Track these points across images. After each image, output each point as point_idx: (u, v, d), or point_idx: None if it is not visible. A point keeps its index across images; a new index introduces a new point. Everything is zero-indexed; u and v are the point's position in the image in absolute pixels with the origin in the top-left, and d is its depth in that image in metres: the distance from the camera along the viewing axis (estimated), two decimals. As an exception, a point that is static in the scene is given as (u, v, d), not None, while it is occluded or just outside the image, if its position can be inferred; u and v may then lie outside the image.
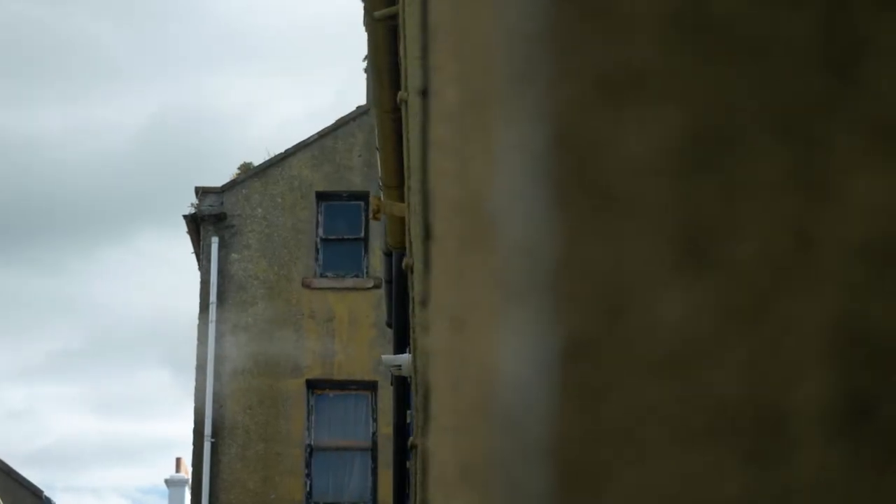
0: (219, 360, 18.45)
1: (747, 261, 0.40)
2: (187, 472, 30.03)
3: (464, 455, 0.95)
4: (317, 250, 19.23)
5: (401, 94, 5.27)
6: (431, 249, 1.87)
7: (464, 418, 0.98)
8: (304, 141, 19.59)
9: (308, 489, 18.29)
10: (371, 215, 6.36)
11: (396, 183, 7.89)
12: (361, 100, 20.40)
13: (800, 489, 0.39)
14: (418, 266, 3.73)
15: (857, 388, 0.41)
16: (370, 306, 18.90)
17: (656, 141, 0.43)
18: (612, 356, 0.42)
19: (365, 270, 19.29)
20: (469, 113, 0.95)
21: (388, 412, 18.51)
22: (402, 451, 10.39)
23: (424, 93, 2.06)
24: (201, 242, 19.19)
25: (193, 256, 19.83)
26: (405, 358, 8.54)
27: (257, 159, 19.83)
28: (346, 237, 19.41)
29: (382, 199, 6.79)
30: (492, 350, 0.41)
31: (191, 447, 18.67)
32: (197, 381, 18.56)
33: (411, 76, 3.27)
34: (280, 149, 19.75)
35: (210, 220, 19.07)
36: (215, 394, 18.35)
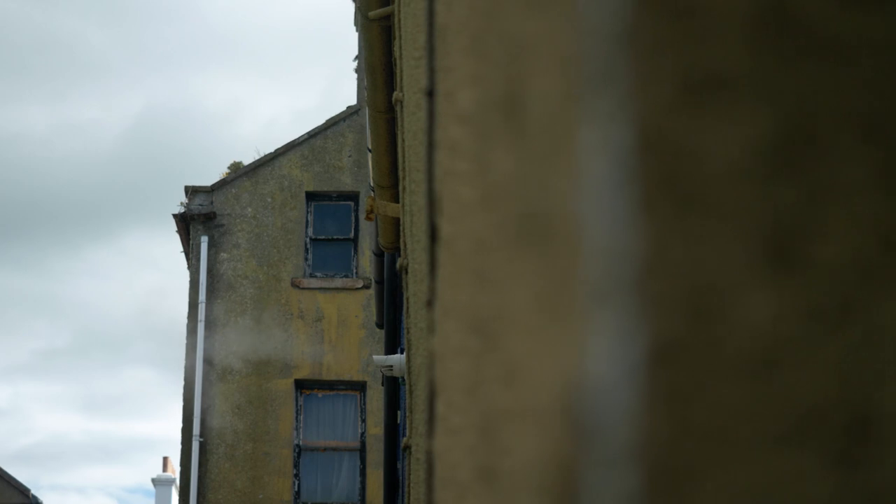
0: (207, 359, 18.42)
1: (833, 262, 0.40)
2: (174, 471, 30.03)
3: (485, 457, 0.94)
4: (306, 250, 19.21)
5: (396, 94, 5.25)
6: (438, 250, 1.86)
7: (486, 420, 0.97)
8: (293, 141, 19.58)
9: (296, 489, 18.27)
10: (365, 215, 6.35)
11: (389, 183, 7.88)
12: (347, 100, 20.46)
13: (889, 492, 0.38)
14: (415, 267, 3.72)
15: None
16: (359, 307, 18.88)
17: (741, 143, 0.42)
18: (699, 358, 0.41)
19: (354, 271, 19.28)
20: (494, 114, 0.95)
21: (376, 413, 18.51)
22: (393, 451, 10.38)
23: (431, 93, 2.06)
24: (191, 241, 19.16)
25: (179, 255, 19.82)
26: (397, 358, 8.52)
27: (247, 158, 19.83)
28: (335, 237, 19.39)
29: (376, 199, 6.78)
30: (570, 353, 0.41)
31: (177, 446, 18.65)
32: (185, 380, 18.53)
33: (411, 77, 3.26)
34: (269, 148, 19.77)
35: (200, 219, 19.04)
36: (204, 393, 18.32)
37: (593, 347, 0.40)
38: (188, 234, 19.25)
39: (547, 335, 0.45)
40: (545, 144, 0.45)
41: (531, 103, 0.53)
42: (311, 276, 19.05)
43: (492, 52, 0.92)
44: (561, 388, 0.41)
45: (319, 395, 18.70)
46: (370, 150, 10.14)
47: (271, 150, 19.60)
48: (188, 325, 18.76)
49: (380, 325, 14.34)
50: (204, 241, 18.88)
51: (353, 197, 19.48)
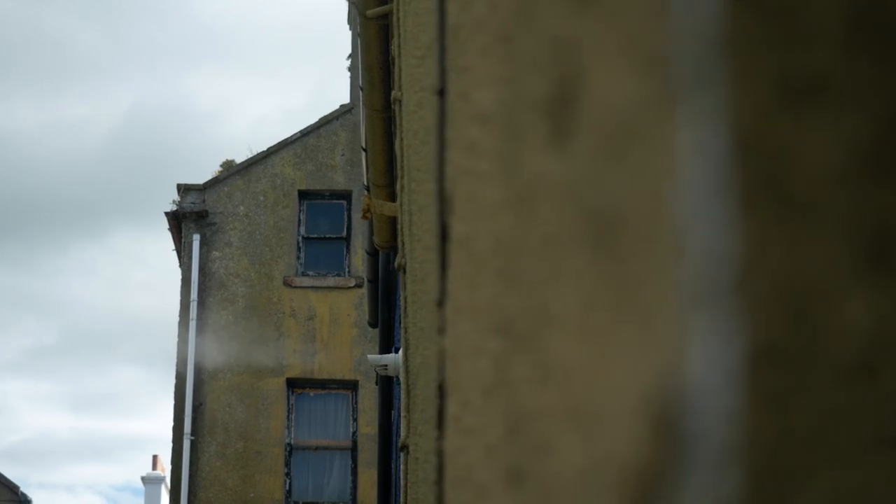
0: (199, 357, 18.41)
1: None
2: (164, 469, 30.00)
3: (514, 458, 0.93)
4: (298, 249, 19.20)
5: (394, 93, 5.24)
6: (450, 250, 1.85)
7: (515, 421, 0.96)
8: (286, 139, 19.57)
9: (287, 488, 18.25)
10: (361, 214, 6.34)
11: (385, 182, 7.87)
12: (336, 99, 20.45)
13: None
14: (414, 266, 3.72)
15: None
16: (352, 305, 18.88)
17: (841, 144, 0.42)
18: (799, 361, 0.41)
19: (347, 270, 19.27)
20: (528, 114, 0.94)
21: (368, 412, 18.50)
22: (387, 451, 10.36)
23: (442, 93, 2.05)
24: (183, 240, 19.14)
25: (168, 253, 19.82)
26: (391, 358, 8.51)
27: (239, 157, 19.81)
28: (328, 236, 19.38)
29: (372, 198, 6.77)
30: (650, 355, 0.40)
31: (165, 445, 18.67)
32: (177, 378, 18.51)
33: (411, 76, 3.26)
34: (262, 146, 19.74)
35: (192, 217, 19.02)
36: (195, 391, 18.30)
37: (688, 350, 0.40)
38: (180, 232, 19.23)
39: (614, 336, 0.45)
40: (615, 145, 0.44)
41: (589, 104, 0.53)
42: (304, 274, 19.04)
43: (525, 53, 0.91)
44: (640, 389, 0.41)
45: (311, 394, 18.69)
46: (364, 149, 10.13)
47: (264, 148, 19.59)
48: (180, 323, 18.73)
49: (372, 325, 14.34)
50: (196, 239, 18.86)
51: (346, 196, 19.48)
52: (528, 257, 0.90)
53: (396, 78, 6.03)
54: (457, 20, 1.78)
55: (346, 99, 20.34)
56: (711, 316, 0.41)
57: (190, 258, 18.84)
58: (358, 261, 18.93)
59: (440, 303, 1.94)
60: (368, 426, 18.38)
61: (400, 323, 8.09)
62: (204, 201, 19.18)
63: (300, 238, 19.24)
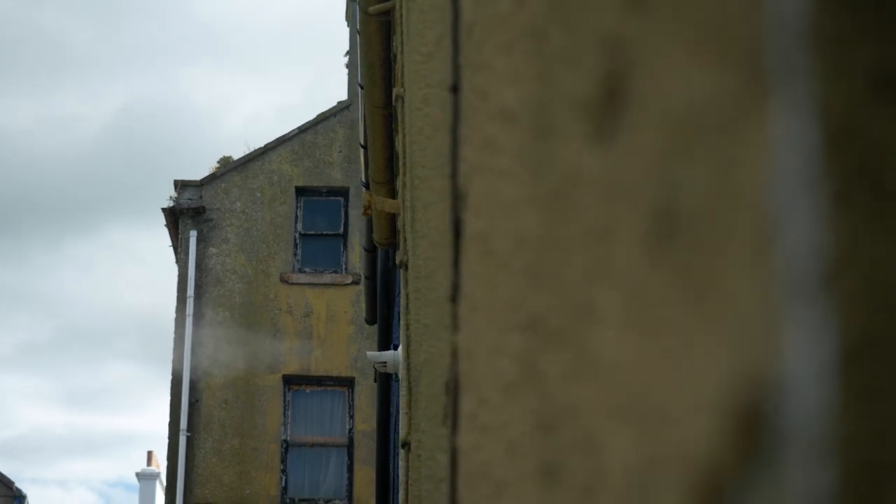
0: (195, 354, 18.39)
1: None
2: (159, 465, 29.96)
3: (548, 454, 0.93)
4: (295, 245, 19.18)
5: (397, 89, 5.23)
6: (463, 246, 1.85)
7: (547, 417, 0.96)
8: (284, 136, 19.55)
9: (283, 485, 18.25)
10: (362, 211, 6.33)
11: (385, 179, 7.87)
12: (331, 97, 20.42)
13: None
14: (417, 263, 3.71)
15: None
16: (348, 302, 18.87)
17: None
18: (895, 354, 0.41)
19: (344, 266, 19.26)
20: (560, 111, 0.93)
21: (364, 409, 18.49)
22: (385, 448, 10.36)
23: (455, 89, 2.05)
24: (179, 236, 19.12)
25: (163, 250, 19.83)
26: (391, 354, 8.50)
27: (236, 153, 19.79)
28: (325, 233, 19.36)
29: (372, 194, 6.77)
30: (740, 349, 0.40)
31: (158, 441, 18.67)
32: (173, 374, 18.49)
33: (416, 72, 3.25)
34: (257, 143, 19.73)
35: (189, 213, 19.00)
36: (192, 388, 18.29)
37: (779, 344, 0.40)
38: (177, 228, 19.21)
39: (679, 332, 0.45)
40: (682, 140, 0.44)
41: (644, 100, 0.53)
42: (300, 271, 19.03)
43: (560, 49, 0.91)
44: (714, 385, 0.40)
45: (307, 390, 18.68)
46: (363, 146, 10.12)
47: (261, 145, 19.58)
48: (176, 320, 18.72)
49: (369, 322, 14.33)
50: (193, 235, 18.85)
51: (343, 192, 19.46)
52: (561, 254, 0.89)
53: (399, 75, 6.01)
54: (472, 18, 1.78)
55: (340, 96, 20.33)
56: (804, 310, 0.41)
57: (187, 254, 18.82)
58: (355, 258, 18.92)
59: (453, 299, 1.93)
60: (365, 423, 18.38)
61: (399, 320, 8.07)
62: (201, 197, 19.17)
63: (297, 235, 19.23)
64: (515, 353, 1.23)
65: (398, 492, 7.60)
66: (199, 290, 18.74)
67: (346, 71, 20.32)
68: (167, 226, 19.48)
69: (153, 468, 30.29)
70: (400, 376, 6.71)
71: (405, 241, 5.03)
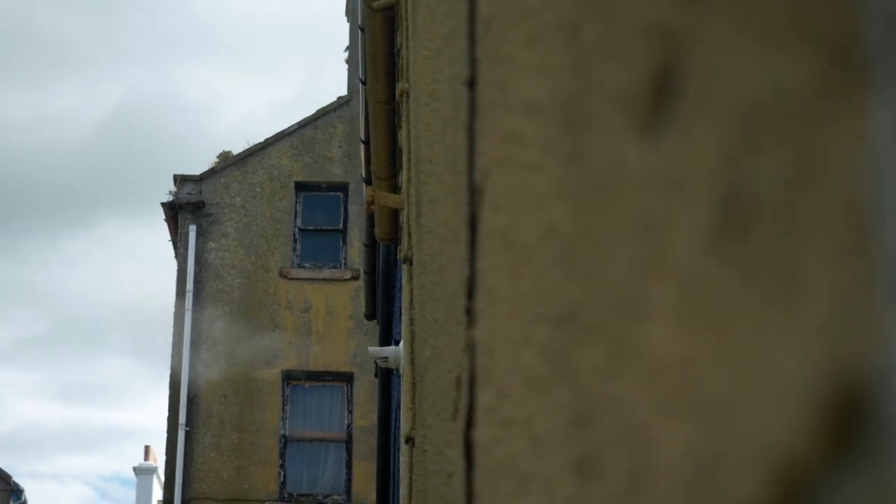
0: (194, 348, 18.39)
1: None
2: (156, 460, 29.99)
3: (584, 448, 0.93)
4: (295, 240, 19.18)
5: (402, 84, 5.24)
6: (480, 241, 1.84)
7: (584, 411, 0.96)
8: (283, 130, 19.55)
9: (282, 480, 18.25)
10: (365, 206, 6.33)
11: (387, 174, 7.87)
12: (327, 92, 20.39)
13: None
14: (423, 258, 3.70)
15: None
16: (347, 298, 18.87)
17: None
18: None
19: (343, 262, 19.26)
20: (590, 102, 0.93)
21: (363, 404, 18.49)
22: (386, 443, 10.36)
23: (472, 83, 2.04)
24: (179, 230, 19.12)
25: (157, 244, 19.89)
26: (392, 350, 8.51)
27: (236, 148, 19.79)
28: (324, 228, 19.36)
29: (376, 189, 6.77)
30: (835, 343, 0.40)
31: (154, 436, 18.69)
32: (172, 369, 18.49)
33: (423, 67, 3.24)
34: (254, 138, 19.74)
35: (188, 207, 19.00)
36: (190, 382, 18.29)
37: (883, 338, 0.39)
38: (176, 222, 19.21)
39: (748, 325, 0.44)
40: (754, 131, 0.44)
41: (707, 91, 0.52)
42: (300, 266, 19.03)
43: (597, 41, 0.91)
44: (800, 378, 0.40)
45: (306, 385, 18.68)
46: (363, 142, 10.12)
47: (260, 139, 19.58)
48: (175, 314, 18.72)
49: (368, 317, 14.33)
50: (192, 229, 18.85)
51: (343, 188, 19.47)
52: (599, 246, 0.89)
53: (403, 70, 6.01)
54: (490, 12, 1.77)
55: (336, 92, 20.37)
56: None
57: (186, 249, 18.82)
58: (354, 253, 18.92)
59: (469, 294, 1.93)
60: (363, 419, 18.38)
61: (401, 315, 8.07)
62: (200, 192, 19.16)
63: (296, 230, 19.23)
64: (543, 346, 1.22)
65: (399, 487, 7.61)
66: (199, 285, 18.74)
67: (342, 66, 20.34)
68: (166, 220, 19.47)
69: (150, 463, 30.32)
70: (402, 372, 6.72)
71: (409, 236, 5.03)
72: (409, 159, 4.91)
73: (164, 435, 18.43)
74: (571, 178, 1.03)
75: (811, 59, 0.41)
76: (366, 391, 18.40)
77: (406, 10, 5.29)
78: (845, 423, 0.40)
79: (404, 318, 5.90)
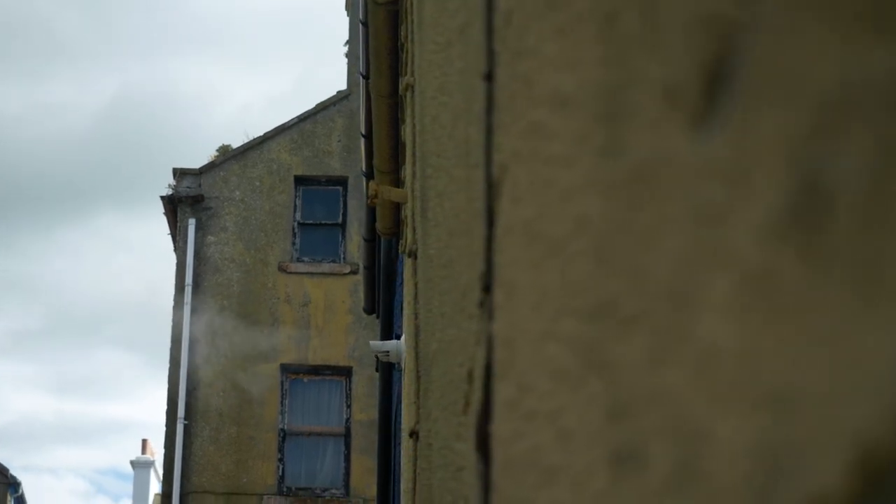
0: (193, 342, 18.39)
1: None
2: (153, 453, 29.97)
3: (620, 440, 0.93)
4: (294, 234, 19.18)
5: (407, 79, 5.23)
6: (497, 234, 1.84)
7: (621, 404, 0.96)
8: (283, 124, 19.54)
9: (280, 474, 18.25)
10: (369, 200, 6.33)
11: (389, 168, 7.86)
12: (322, 86, 20.32)
13: None
14: (429, 252, 3.70)
15: None
16: (347, 292, 18.87)
17: None
18: None
19: (342, 256, 19.26)
20: (628, 94, 0.93)
21: (362, 398, 18.50)
22: (388, 437, 10.36)
23: (490, 77, 2.04)
24: (178, 224, 19.11)
25: (152, 237, 19.85)
26: (393, 344, 8.51)
27: (235, 142, 19.78)
28: (323, 222, 19.36)
29: (378, 184, 6.77)
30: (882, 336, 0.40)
31: (149, 429, 18.71)
32: (171, 362, 18.49)
33: (430, 61, 3.24)
34: (253, 132, 19.73)
35: (187, 201, 19.00)
36: (189, 376, 18.29)
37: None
38: (175, 216, 19.20)
39: (822, 317, 0.44)
40: (828, 121, 0.44)
41: (771, 81, 0.52)
42: (299, 260, 19.03)
43: (634, 33, 0.90)
44: (881, 368, 0.40)
45: (305, 379, 18.68)
46: (364, 136, 10.11)
47: (259, 133, 19.57)
48: (174, 308, 18.71)
49: (368, 311, 14.33)
50: (191, 223, 18.84)
51: (342, 182, 19.46)
52: (639, 238, 0.89)
53: (408, 64, 6.01)
54: (510, 5, 1.77)
55: (332, 85, 20.35)
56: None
57: (185, 242, 18.81)
58: (353, 247, 18.92)
59: (486, 288, 1.93)
60: (362, 413, 18.39)
61: (402, 309, 8.06)
62: (200, 186, 19.15)
63: (296, 224, 19.22)
64: (571, 339, 1.22)
65: (400, 481, 7.62)
66: (198, 279, 18.74)
67: (338, 61, 20.35)
68: (165, 214, 19.46)
69: (147, 456, 30.32)
70: (405, 366, 6.72)
71: (414, 230, 5.03)
72: (413, 153, 4.91)
73: (160, 428, 18.46)
74: (606, 171, 1.03)
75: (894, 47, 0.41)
76: (365, 385, 18.40)
77: (411, 4, 5.29)
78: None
79: (408, 312, 5.91)
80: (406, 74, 5.83)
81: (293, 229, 19.17)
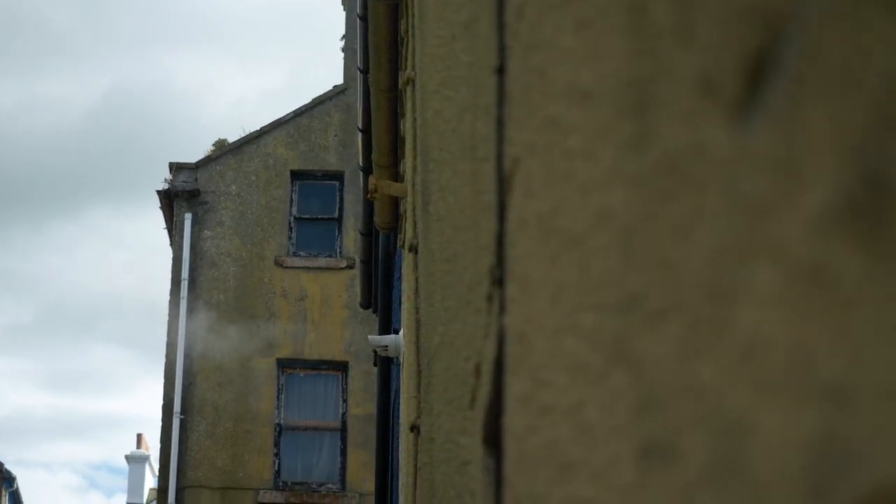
0: (189, 336, 18.37)
1: None
2: (148, 448, 29.97)
3: (647, 434, 0.92)
4: (290, 229, 19.17)
5: (408, 73, 5.23)
6: (509, 229, 1.83)
7: (649, 397, 0.95)
8: (279, 119, 19.52)
9: (276, 468, 18.25)
10: (369, 195, 6.33)
11: (388, 162, 7.85)
12: (315, 81, 20.30)
13: None
14: (430, 247, 3.70)
15: None
16: (343, 286, 18.86)
17: None
18: None
19: (338, 250, 19.24)
20: (656, 87, 0.92)
21: (358, 393, 18.49)
22: (386, 431, 10.36)
23: (501, 71, 2.04)
24: (174, 218, 19.09)
25: (146, 232, 19.89)
26: (392, 339, 8.50)
27: (231, 136, 19.76)
28: (319, 216, 19.35)
29: (377, 178, 6.76)
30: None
31: (144, 424, 18.70)
32: (167, 357, 18.48)
33: (432, 56, 3.24)
34: (249, 127, 19.69)
35: (184, 196, 18.97)
36: (185, 371, 18.28)
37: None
38: (171, 210, 19.18)
39: (875, 309, 0.44)
40: (887, 113, 0.43)
41: (820, 72, 0.52)
42: (295, 255, 19.01)
43: (663, 26, 0.90)
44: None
45: (301, 374, 18.67)
46: (361, 130, 10.10)
47: (256, 128, 19.55)
48: (170, 302, 18.70)
49: (364, 306, 14.31)
50: (188, 218, 18.82)
51: (339, 176, 19.44)
52: (673, 231, 0.88)
53: (408, 58, 6.00)
54: (520, -1, 1.76)
55: (326, 80, 20.34)
56: None
57: (181, 237, 18.79)
58: (350, 242, 18.91)
59: (499, 282, 1.92)
60: (358, 407, 18.38)
61: (401, 303, 8.04)
62: (196, 180, 19.13)
63: (292, 218, 19.21)
64: (591, 333, 1.22)
65: (398, 476, 7.61)
66: (194, 273, 18.72)
67: (333, 55, 20.33)
68: (161, 208, 19.44)
69: (142, 451, 30.30)
70: (405, 360, 6.70)
71: (414, 224, 5.02)
72: (414, 147, 4.90)
73: (154, 423, 18.45)
74: (631, 164, 1.02)
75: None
76: (361, 380, 18.39)
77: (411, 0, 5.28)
78: None
79: (407, 306, 5.89)
80: (406, 69, 5.82)
81: (289, 224, 19.16)
